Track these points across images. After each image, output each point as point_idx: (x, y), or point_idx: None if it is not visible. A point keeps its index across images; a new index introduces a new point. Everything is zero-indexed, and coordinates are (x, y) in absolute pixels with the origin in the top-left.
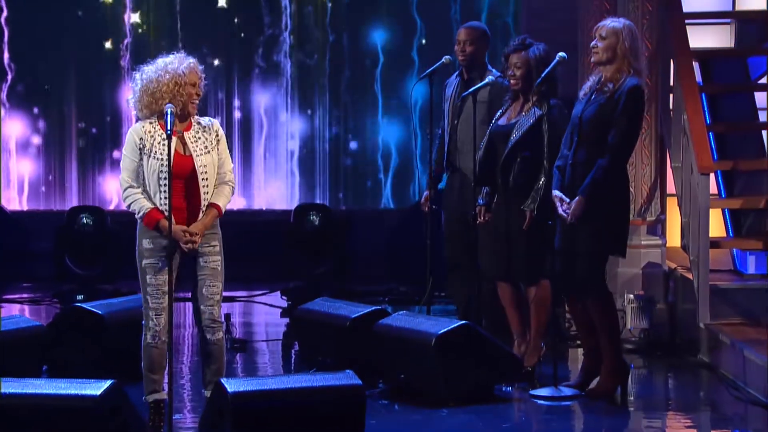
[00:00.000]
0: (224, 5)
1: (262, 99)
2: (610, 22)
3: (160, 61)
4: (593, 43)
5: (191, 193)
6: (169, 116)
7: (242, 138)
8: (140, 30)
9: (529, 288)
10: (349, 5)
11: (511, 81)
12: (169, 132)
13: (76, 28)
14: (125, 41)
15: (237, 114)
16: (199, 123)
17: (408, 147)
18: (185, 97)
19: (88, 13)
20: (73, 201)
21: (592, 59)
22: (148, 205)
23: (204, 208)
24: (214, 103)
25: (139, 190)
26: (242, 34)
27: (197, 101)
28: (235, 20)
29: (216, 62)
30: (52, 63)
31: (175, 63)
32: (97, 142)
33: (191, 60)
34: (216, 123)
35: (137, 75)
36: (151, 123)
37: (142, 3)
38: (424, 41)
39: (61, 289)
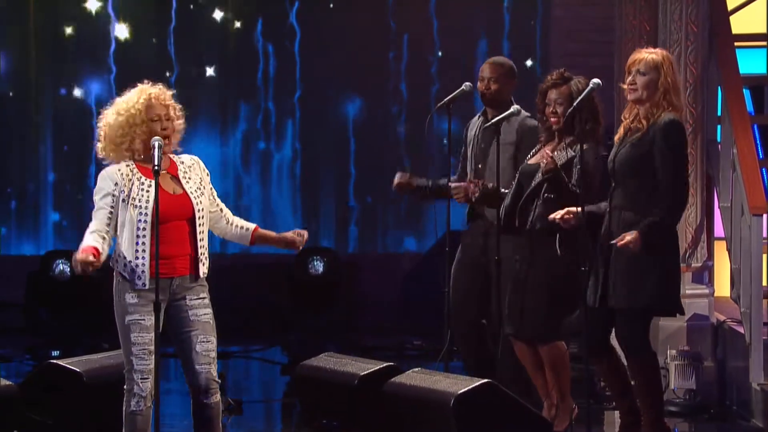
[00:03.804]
0: None
1: None
2: (648, 55)
3: (118, 99)
4: (630, 78)
5: (186, 239)
6: (156, 150)
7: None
8: None
9: (541, 348)
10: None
11: (552, 119)
12: (156, 168)
13: None
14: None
15: None
16: (182, 162)
17: None
18: (145, 136)
19: None
20: (47, 245)
21: (630, 97)
22: (86, 242)
23: (203, 257)
24: None
25: (100, 234)
26: None
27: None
28: None
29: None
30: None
31: (133, 98)
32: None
33: (152, 90)
34: (198, 159)
35: (100, 120)
36: (127, 165)
37: None
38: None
39: (34, 344)
